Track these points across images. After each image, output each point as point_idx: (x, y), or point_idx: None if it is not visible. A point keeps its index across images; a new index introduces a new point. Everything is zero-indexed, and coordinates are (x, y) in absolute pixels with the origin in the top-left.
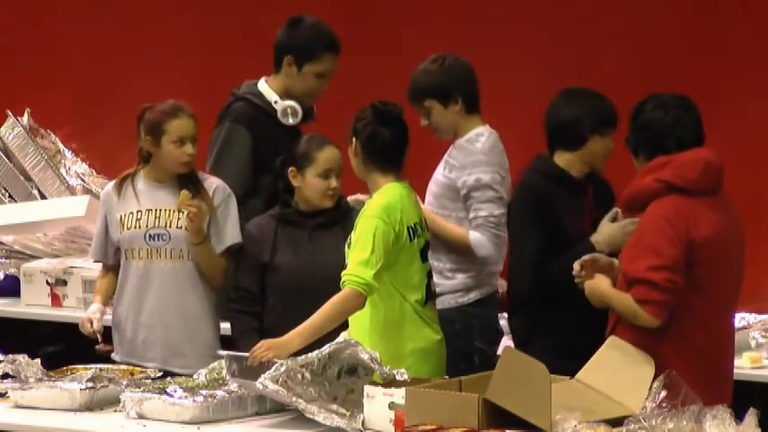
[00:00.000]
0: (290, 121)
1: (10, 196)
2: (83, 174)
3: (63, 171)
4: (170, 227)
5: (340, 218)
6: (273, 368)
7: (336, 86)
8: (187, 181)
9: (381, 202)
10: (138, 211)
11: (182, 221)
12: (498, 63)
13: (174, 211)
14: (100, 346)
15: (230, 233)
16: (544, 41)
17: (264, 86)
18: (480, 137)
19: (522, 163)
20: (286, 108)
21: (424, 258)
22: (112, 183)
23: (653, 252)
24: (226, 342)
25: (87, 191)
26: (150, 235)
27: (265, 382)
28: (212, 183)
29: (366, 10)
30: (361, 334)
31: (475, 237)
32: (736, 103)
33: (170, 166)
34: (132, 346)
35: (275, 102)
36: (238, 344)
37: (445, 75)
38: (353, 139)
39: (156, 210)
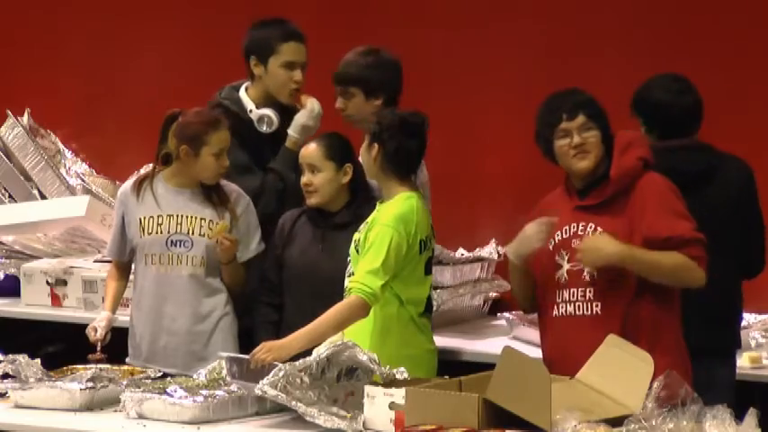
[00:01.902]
0: (265, 129)
1: (10, 196)
2: (83, 174)
3: (63, 171)
4: (193, 234)
5: (357, 218)
6: (272, 373)
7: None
8: (210, 188)
9: (397, 213)
10: (158, 216)
11: (204, 229)
12: (495, 61)
13: (196, 218)
14: (92, 355)
15: (253, 242)
16: (540, 38)
17: (243, 94)
18: None
19: (524, 157)
20: (262, 116)
21: (428, 271)
22: (129, 183)
23: (685, 217)
24: (244, 341)
25: (87, 191)
26: (172, 241)
27: (264, 388)
28: (232, 190)
29: (363, 10)
30: (358, 337)
31: None
32: (734, 101)
33: (205, 177)
34: (152, 351)
35: (250, 111)
36: (255, 335)
37: (377, 69)
38: (376, 145)
39: (177, 215)
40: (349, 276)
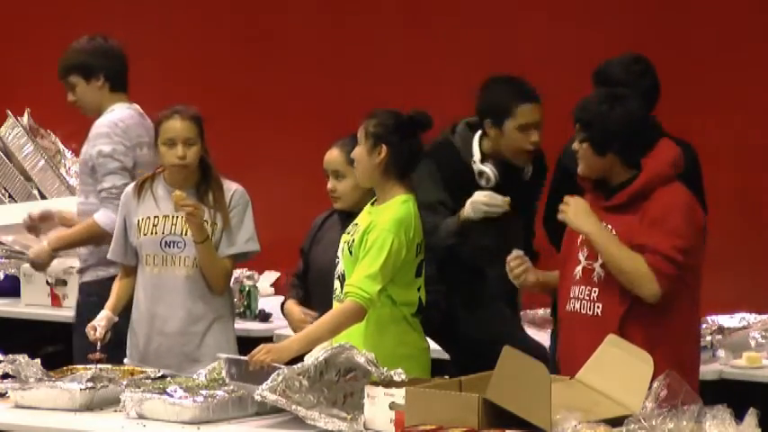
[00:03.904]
0: (483, 183)
1: (10, 196)
2: None
3: (63, 171)
4: (186, 234)
5: None
6: (271, 378)
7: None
8: (207, 186)
9: (397, 217)
10: (155, 217)
11: None
12: (496, 61)
13: None
14: (92, 355)
15: (241, 239)
16: (544, 36)
17: (476, 141)
18: (112, 112)
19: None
20: (482, 172)
21: (419, 273)
22: (132, 185)
23: (678, 234)
24: (242, 344)
25: None
26: (166, 242)
27: (264, 393)
28: (231, 187)
29: (363, 10)
30: (354, 337)
31: (100, 216)
32: (735, 101)
33: (168, 169)
34: (146, 352)
35: (474, 162)
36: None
37: (90, 53)
38: (383, 147)
39: (173, 216)
40: (338, 278)
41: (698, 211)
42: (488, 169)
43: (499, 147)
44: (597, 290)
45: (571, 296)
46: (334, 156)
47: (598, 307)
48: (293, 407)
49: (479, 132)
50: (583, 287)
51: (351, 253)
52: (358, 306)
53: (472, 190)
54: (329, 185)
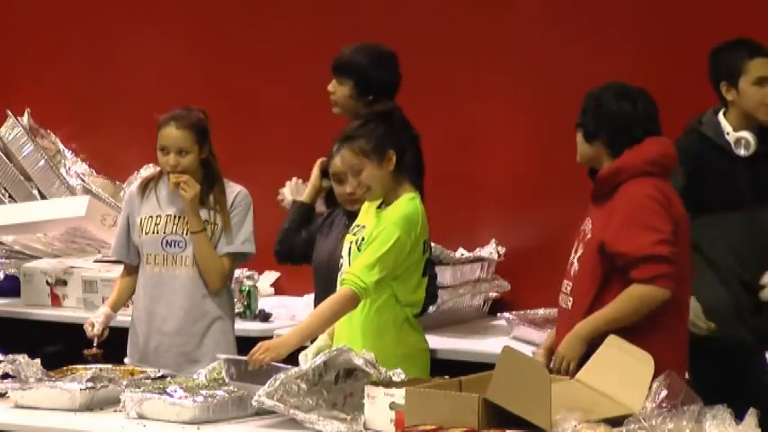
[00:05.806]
0: (742, 152)
1: (10, 196)
2: (83, 174)
3: (63, 171)
4: (187, 234)
5: None
6: (268, 384)
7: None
8: (209, 187)
9: (404, 212)
10: (157, 216)
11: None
12: (496, 60)
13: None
14: (88, 350)
15: (239, 239)
16: (545, 40)
17: (722, 118)
18: None
19: (524, 157)
20: (739, 139)
21: (425, 273)
22: (136, 184)
23: (650, 229)
24: (242, 344)
25: (87, 191)
26: (168, 241)
27: (261, 399)
28: (235, 189)
29: (362, 9)
30: (353, 336)
31: None
32: None
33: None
34: (145, 352)
35: (728, 133)
36: None
37: None
38: (390, 152)
39: (174, 216)
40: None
41: (666, 202)
42: (747, 134)
43: (740, 109)
44: (571, 284)
45: (561, 288)
46: (338, 161)
47: (569, 300)
48: (291, 411)
49: (721, 109)
50: (565, 281)
51: (359, 250)
52: (351, 293)
53: (725, 174)
54: (347, 189)
